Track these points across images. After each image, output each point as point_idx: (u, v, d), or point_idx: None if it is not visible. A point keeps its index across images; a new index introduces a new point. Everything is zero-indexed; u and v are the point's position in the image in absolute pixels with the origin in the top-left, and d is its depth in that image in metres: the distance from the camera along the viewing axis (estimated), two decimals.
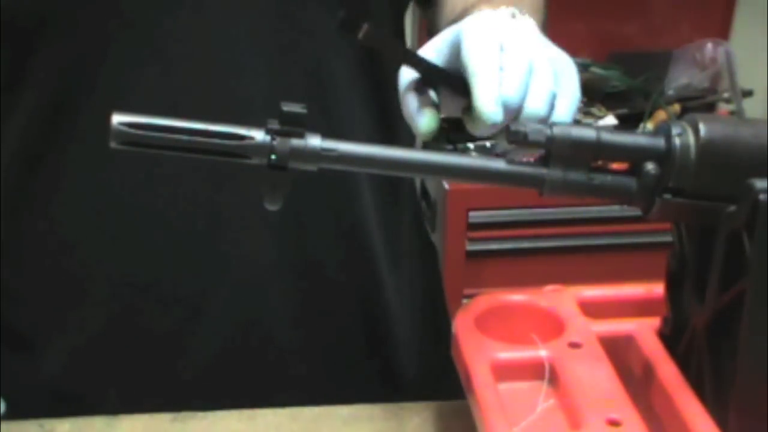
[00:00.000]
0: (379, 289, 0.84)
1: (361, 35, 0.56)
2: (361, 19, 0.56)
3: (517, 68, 0.58)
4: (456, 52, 0.61)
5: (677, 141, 0.55)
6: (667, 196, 0.56)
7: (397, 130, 0.79)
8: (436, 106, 0.61)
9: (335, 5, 0.74)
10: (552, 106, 0.59)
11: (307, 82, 0.76)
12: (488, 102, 0.57)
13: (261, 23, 0.73)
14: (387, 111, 0.78)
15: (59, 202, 0.76)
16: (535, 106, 0.58)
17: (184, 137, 0.52)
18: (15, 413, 0.79)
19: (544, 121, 0.58)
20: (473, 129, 0.59)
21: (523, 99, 0.58)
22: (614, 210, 1.80)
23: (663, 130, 0.56)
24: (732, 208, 0.53)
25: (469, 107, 0.58)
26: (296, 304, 0.81)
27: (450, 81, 0.61)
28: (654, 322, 0.63)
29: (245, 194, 0.73)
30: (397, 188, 0.86)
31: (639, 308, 0.66)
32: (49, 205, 0.76)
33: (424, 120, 0.60)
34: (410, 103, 0.61)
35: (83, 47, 0.71)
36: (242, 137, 0.52)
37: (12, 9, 0.69)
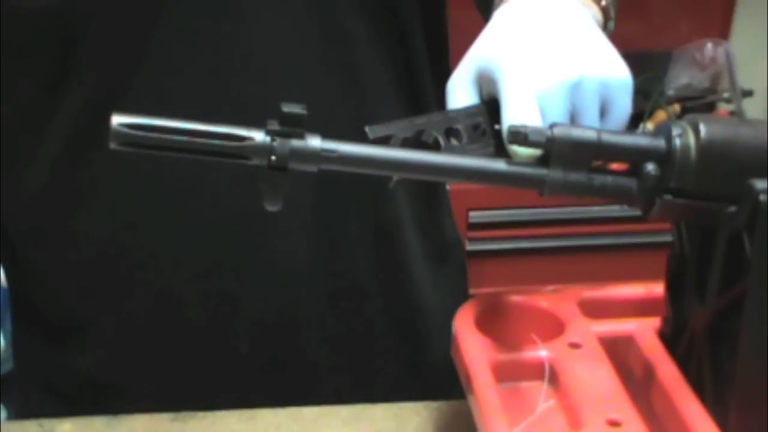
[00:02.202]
0: (412, 288, 0.84)
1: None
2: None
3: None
4: (488, 83, 0.61)
5: (677, 142, 0.55)
6: (668, 196, 0.56)
7: None
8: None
9: (373, 9, 0.74)
10: None
11: (343, 87, 0.76)
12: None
13: (299, 27, 0.73)
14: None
15: (101, 200, 0.76)
16: None
17: (184, 138, 0.52)
18: (50, 405, 0.82)
19: None
20: None
21: None
22: (614, 210, 1.80)
23: (663, 131, 0.56)
24: (732, 208, 0.53)
25: None
26: (327, 304, 0.81)
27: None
28: (654, 322, 0.63)
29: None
30: (433, 187, 0.86)
31: (639, 308, 0.66)
32: (92, 203, 0.77)
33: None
34: None
35: (126, 47, 0.72)
36: (242, 138, 0.52)
37: (56, 8, 0.70)
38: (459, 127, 0.60)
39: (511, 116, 0.58)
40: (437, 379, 0.85)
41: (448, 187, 0.92)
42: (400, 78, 0.79)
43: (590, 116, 0.61)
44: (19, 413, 0.89)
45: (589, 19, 0.65)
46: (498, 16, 0.65)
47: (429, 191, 0.86)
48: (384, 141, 0.58)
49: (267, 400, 0.75)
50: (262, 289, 0.79)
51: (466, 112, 0.62)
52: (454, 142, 0.60)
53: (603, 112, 0.62)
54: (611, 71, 0.61)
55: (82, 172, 0.76)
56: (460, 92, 0.63)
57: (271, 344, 0.81)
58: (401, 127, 0.59)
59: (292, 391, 0.82)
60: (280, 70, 0.73)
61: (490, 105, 0.62)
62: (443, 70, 0.83)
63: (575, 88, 0.60)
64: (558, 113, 0.60)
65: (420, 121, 0.59)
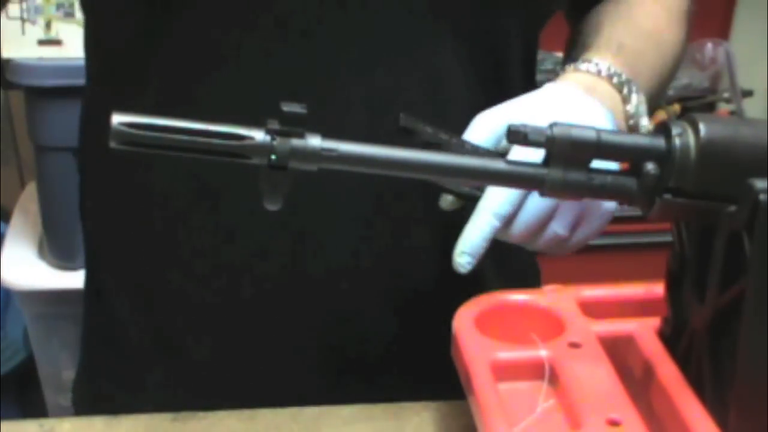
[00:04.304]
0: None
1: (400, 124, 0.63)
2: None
3: (530, 220, 0.65)
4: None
5: (677, 141, 0.55)
6: (668, 196, 0.56)
7: None
8: None
9: (457, 17, 0.75)
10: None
11: (423, 88, 0.75)
12: (464, 246, 0.65)
13: (379, 28, 0.73)
14: None
15: (150, 191, 0.78)
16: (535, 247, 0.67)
17: (185, 137, 0.52)
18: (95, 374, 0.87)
19: None
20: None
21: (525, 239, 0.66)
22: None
23: (663, 130, 0.56)
24: (732, 208, 0.53)
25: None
26: (386, 305, 0.80)
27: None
28: (654, 322, 0.63)
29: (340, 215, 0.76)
30: None
31: (639, 308, 0.66)
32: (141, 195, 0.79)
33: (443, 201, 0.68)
34: None
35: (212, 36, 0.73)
36: (242, 137, 0.52)
37: None
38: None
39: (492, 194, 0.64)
40: None
41: None
42: (479, 74, 0.78)
43: (559, 228, 0.66)
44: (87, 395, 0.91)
45: (610, 117, 0.69)
46: (545, 86, 0.70)
47: None
48: (407, 132, 0.62)
49: (319, 398, 0.75)
50: (319, 286, 0.78)
51: (481, 151, 0.65)
52: None
53: None
54: None
55: (135, 167, 0.77)
56: (479, 132, 0.67)
57: (324, 342, 0.80)
58: (427, 132, 0.63)
59: (341, 389, 0.81)
60: (356, 66, 0.73)
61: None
62: (530, 84, 0.83)
63: None
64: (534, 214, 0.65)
65: (444, 136, 0.64)
